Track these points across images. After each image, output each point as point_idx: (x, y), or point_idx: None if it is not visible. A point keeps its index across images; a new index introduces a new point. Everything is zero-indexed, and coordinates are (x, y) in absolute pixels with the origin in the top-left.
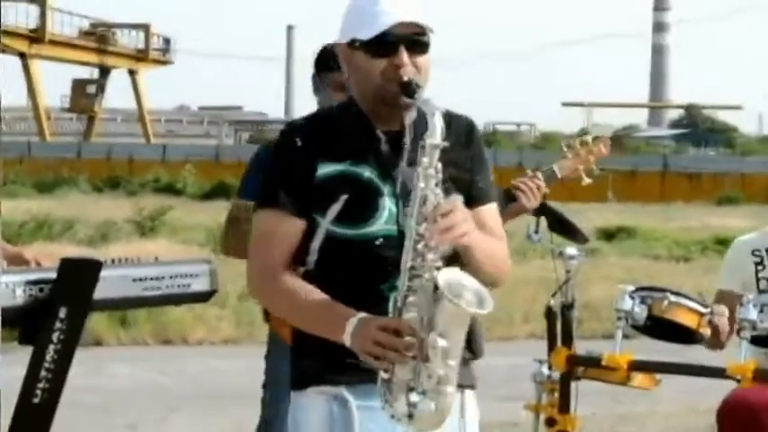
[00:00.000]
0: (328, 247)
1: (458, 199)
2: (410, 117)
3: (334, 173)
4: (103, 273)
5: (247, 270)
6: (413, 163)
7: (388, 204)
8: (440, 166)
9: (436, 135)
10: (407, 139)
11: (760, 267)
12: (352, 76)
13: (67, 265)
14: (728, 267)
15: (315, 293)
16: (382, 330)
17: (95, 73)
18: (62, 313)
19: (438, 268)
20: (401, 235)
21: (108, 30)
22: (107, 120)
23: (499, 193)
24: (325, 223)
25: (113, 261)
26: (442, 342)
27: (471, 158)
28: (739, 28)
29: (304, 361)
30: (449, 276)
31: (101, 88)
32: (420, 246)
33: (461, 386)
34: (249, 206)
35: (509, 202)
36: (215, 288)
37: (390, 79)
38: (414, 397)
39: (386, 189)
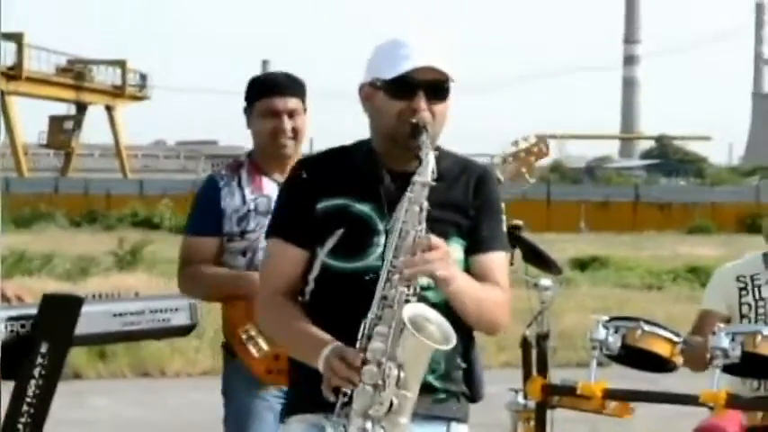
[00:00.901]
0: (323, 279)
1: (440, 240)
2: (429, 160)
3: (333, 207)
4: (84, 308)
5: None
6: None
7: (382, 242)
8: (426, 204)
9: (427, 173)
10: (423, 182)
11: (744, 293)
12: (370, 115)
13: (49, 301)
14: (713, 289)
15: (302, 321)
16: (335, 358)
17: (72, 109)
18: (43, 348)
19: (407, 301)
20: None
21: (84, 66)
22: (84, 155)
23: None
24: (321, 255)
25: (94, 297)
26: (396, 371)
27: (478, 207)
28: (707, 59)
29: (291, 391)
30: (415, 310)
31: (78, 124)
32: (395, 278)
33: (449, 419)
34: (195, 243)
35: None
36: (195, 322)
37: (405, 121)
38: (367, 424)
39: (382, 227)
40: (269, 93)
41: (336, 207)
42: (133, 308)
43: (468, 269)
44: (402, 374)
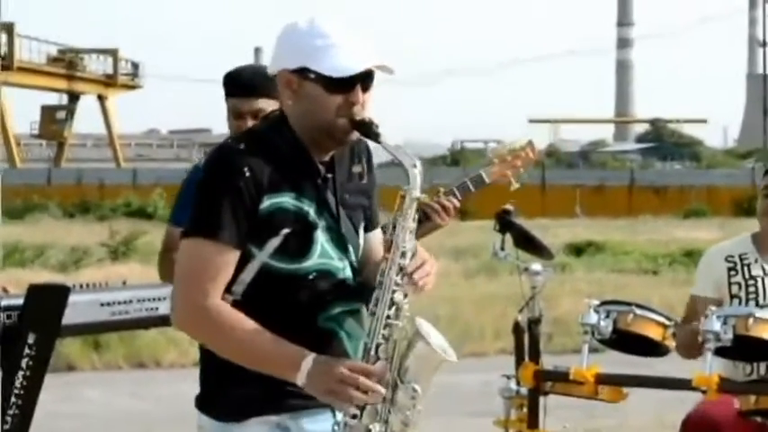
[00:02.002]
0: (261, 279)
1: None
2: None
3: (279, 206)
4: (72, 298)
5: (177, 302)
6: (342, 197)
7: (321, 239)
8: (416, 217)
9: (417, 188)
10: (354, 172)
11: (733, 273)
12: (296, 105)
13: (35, 292)
14: (702, 273)
15: (258, 330)
16: (350, 370)
17: (64, 99)
18: (31, 339)
19: (410, 317)
20: (334, 270)
21: (76, 55)
22: (77, 145)
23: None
24: (262, 256)
25: (81, 286)
26: (417, 387)
27: (370, 183)
28: (701, 41)
29: (238, 390)
30: (422, 325)
31: (70, 114)
32: (397, 296)
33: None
34: (176, 232)
35: (421, 221)
36: None
37: (342, 115)
38: None
39: (321, 224)
40: (234, 93)
41: (281, 206)
42: (121, 297)
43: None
44: (419, 390)
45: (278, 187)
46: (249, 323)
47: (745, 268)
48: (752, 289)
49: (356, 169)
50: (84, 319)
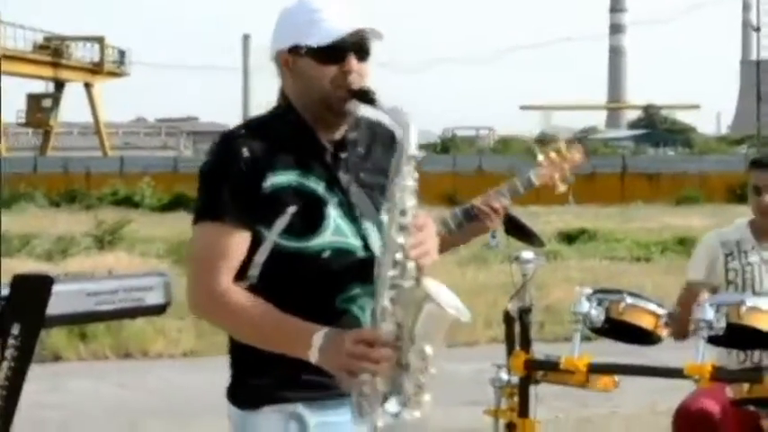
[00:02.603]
0: (274, 261)
1: (429, 218)
2: (349, 125)
3: (283, 184)
4: (56, 288)
5: (190, 287)
6: (355, 173)
7: (333, 215)
8: (416, 176)
9: (412, 146)
10: (357, 148)
11: (730, 258)
12: (294, 83)
13: (19, 282)
14: (698, 258)
15: (270, 310)
16: (356, 343)
17: (50, 87)
18: (15, 330)
19: (417, 278)
20: (350, 249)
21: (62, 43)
22: (63, 133)
23: (461, 211)
24: (272, 236)
25: (66, 276)
26: (429, 349)
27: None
28: (695, 27)
29: (253, 379)
30: (430, 284)
31: (56, 102)
32: (399, 256)
33: None
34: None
35: (470, 220)
36: (169, 300)
37: (339, 86)
38: (393, 407)
39: (331, 200)
40: None
41: (284, 184)
42: (106, 287)
43: None
44: (430, 351)
45: (280, 166)
46: (260, 303)
47: (742, 255)
48: (748, 276)
49: (374, 149)
50: (69, 309)
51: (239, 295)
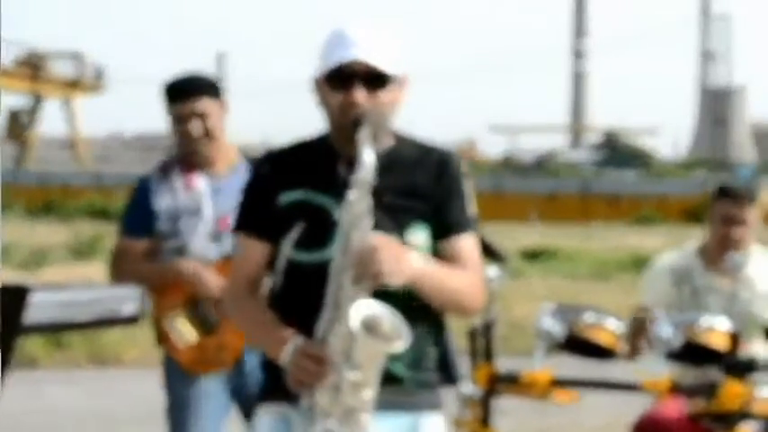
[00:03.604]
0: (288, 272)
1: (421, 232)
2: (374, 148)
3: (293, 200)
4: (33, 298)
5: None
6: (375, 193)
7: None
8: (369, 200)
9: (365, 170)
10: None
11: (679, 286)
12: (321, 109)
13: None
14: (648, 285)
15: (265, 314)
16: (302, 355)
17: (29, 102)
18: None
19: (358, 301)
20: None
21: (41, 58)
22: (41, 147)
23: None
24: (285, 249)
25: (43, 286)
26: (353, 375)
27: (442, 191)
28: (654, 53)
29: (265, 378)
30: (366, 310)
31: (34, 117)
32: (344, 278)
33: (418, 409)
34: (126, 244)
35: None
36: (142, 311)
37: (344, 113)
38: (330, 423)
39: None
40: (173, 99)
41: (296, 200)
42: (81, 297)
43: (436, 254)
44: (358, 376)
45: (295, 183)
46: (260, 309)
47: (691, 281)
48: (697, 302)
49: (416, 171)
50: (45, 318)
51: (248, 299)
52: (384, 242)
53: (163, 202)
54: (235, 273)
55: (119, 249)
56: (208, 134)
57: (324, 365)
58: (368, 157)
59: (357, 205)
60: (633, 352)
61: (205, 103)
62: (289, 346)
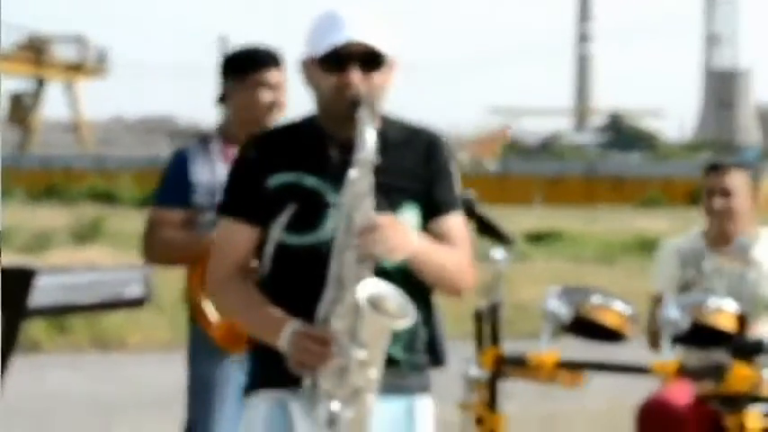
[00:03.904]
0: (279, 256)
1: (411, 212)
2: (368, 129)
3: (283, 183)
4: (38, 281)
5: (207, 274)
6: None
7: (335, 214)
8: (371, 179)
9: (366, 149)
10: (358, 151)
11: (687, 269)
12: (312, 92)
13: (1, 275)
14: (657, 270)
15: (258, 299)
16: (305, 338)
17: (31, 85)
18: None
19: (362, 280)
20: None
21: (44, 42)
22: (44, 131)
23: None
24: (275, 233)
25: (48, 269)
26: (361, 353)
27: (431, 172)
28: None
29: (256, 366)
30: (372, 288)
31: (37, 100)
32: (346, 257)
33: (412, 391)
34: (160, 213)
35: None
36: (148, 294)
37: (340, 95)
38: (334, 405)
39: (334, 199)
40: (243, 68)
41: (286, 182)
42: (86, 280)
43: (426, 233)
44: (365, 355)
45: (285, 165)
46: (252, 293)
47: (697, 264)
48: (701, 284)
49: (405, 152)
50: (50, 301)
51: (238, 284)
52: (387, 220)
53: (202, 174)
54: (221, 258)
55: (152, 219)
56: (275, 106)
57: (328, 346)
58: (369, 137)
59: (359, 184)
60: (654, 343)
61: (275, 74)
62: (286, 330)
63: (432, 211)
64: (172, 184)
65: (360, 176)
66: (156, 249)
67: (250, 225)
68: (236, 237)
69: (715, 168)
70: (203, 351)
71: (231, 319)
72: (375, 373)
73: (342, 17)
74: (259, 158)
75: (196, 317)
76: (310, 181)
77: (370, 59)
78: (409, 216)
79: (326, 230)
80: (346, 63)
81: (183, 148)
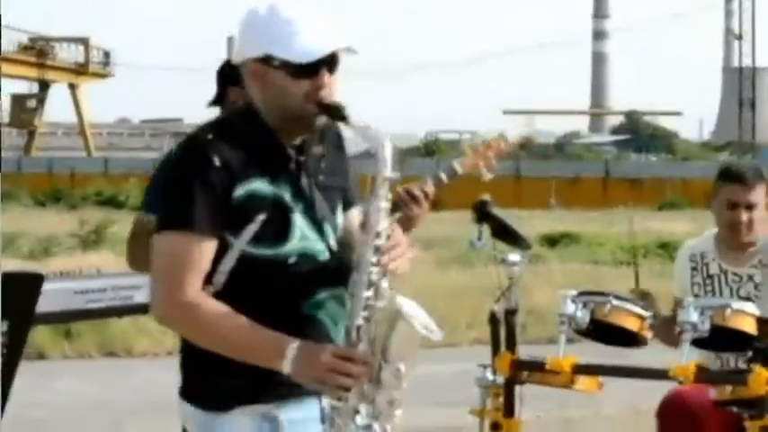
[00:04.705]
0: (241, 268)
1: (403, 236)
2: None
3: (254, 193)
4: (45, 286)
5: (156, 297)
6: (315, 178)
7: (299, 222)
8: (390, 196)
9: (388, 167)
10: (315, 154)
11: (694, 273)
12: (263, 93)
13: (9, 280)
14: (676, 273)
15: (239, 320)
16: (334, 357)
17: (35, 87)
18: (4, 327)
19: (390, 296)
20: (314, 253)
21: (47, 43)
22: (47, 134)
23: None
24: (240, 244)
25: (55, 274)
26: (402, 366)
27: (344, 164)
28: (677, 34)
29: (223, 380)
30: (403, 304)
31: (41, 102)
32: (373, 276)
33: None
34: (148, 220)
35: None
36: None
37: (310, 101)
38: (363, 420)
39: (297, 207)
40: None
41: (254, 192)
42: (95, 285)
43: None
44: (403, 369)
45: (250, 174)
46: (230, 314)
47: (705, 267)
48: (709, 288)
49: (327, 150)
50: (57, 307)
51: (208, 306)
52: (403, 236)
53: None
54: (187, 278)
55: (136, 227)
56: None
57: (369, 366)
58: (388, 151)
59: (382, 201)
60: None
61: None
62: (292, 349)
63: (347, 204)
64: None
65: (383, 195)
66: (140, 259)
67: (213, 239)
68: (200, 253)
69: (741, 181)
70: None
71: (199, 343)
72: (404, 387)
73: (292, 18)
74: (221, 166)
75: None
76: (275, 189)
77: (335, 63)
78: (339, 214)
79: (294, 240)
80: (319, 68)
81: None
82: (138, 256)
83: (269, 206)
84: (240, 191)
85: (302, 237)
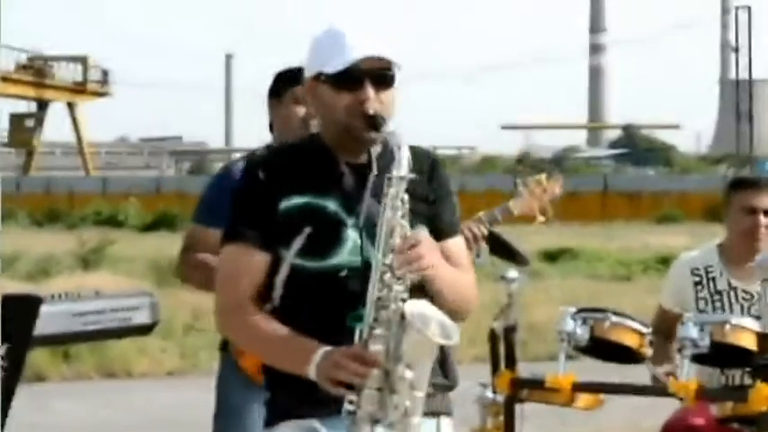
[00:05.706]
0: (293, 281)
1: (424, 231)
2: (375, 150)
3: (297, 206)
4: (44, 308)
5: (215, 304)
6: (377, 195)
7: (351, 236)
8: (406, 197)
9: (402, 167)
10: (373, 172)
11: (699, 287)
12: (317, 110)
13: (7, 302)
14: (669, 286)
15: (279, 328)
16: (344, 356)
17: (33, 106)
18: (2, 350)
19: (404, 300)
20: (365, 266)
21: (45, 63)
22: (46, 153)
23: None
24: (289, 257)
25: (53, 296)
26: (409, 373)
27: (435, 192)
28: (673, 47)
29: (275, 397)
30: (415, 308)
31: (39, 122)
32: (387, 277)
33: (437, 414)
34: (200, 230)
35: None
36: (156, 320)
37: (355, 113)
38: (379, 429)
39: (350, 221)
40: (292, 83)
41: (300, 206)
42: (93, 307)
43: None
44: (413, 375)
45: (296, 188)
46: (270, 322)
47: (711, 282)
48: (718, 304)
49: (410, 175)
50: (56, 329)
51: (254, 314)
52: (425, 235)
53: None
54: (234, 286)
55: (189, 238)
56: (309, 117)
57: (368, 365)
58: (404, 154)
59: (395, 200)
60: (657, 360)
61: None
62: (318, 354)
63: (438, 233)
64: (213, 202)
65: (396, 192)
66: (188, 270)
67: (264, 251)
68: (250, 263)
69: (757, 186)
70: (233, 379)
71: (247, 349)
72: (421, 395)
73: (346, 33)
74: (268, 182)
75: (228, 345)
76: (324, 203)
77: (382, 77)
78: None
79: (344, 253)
80: (361, 80)
81: (229, 164)
82: (188, 268)
83: (315, 219)
84: (285, 204)
85: (353, 251)
